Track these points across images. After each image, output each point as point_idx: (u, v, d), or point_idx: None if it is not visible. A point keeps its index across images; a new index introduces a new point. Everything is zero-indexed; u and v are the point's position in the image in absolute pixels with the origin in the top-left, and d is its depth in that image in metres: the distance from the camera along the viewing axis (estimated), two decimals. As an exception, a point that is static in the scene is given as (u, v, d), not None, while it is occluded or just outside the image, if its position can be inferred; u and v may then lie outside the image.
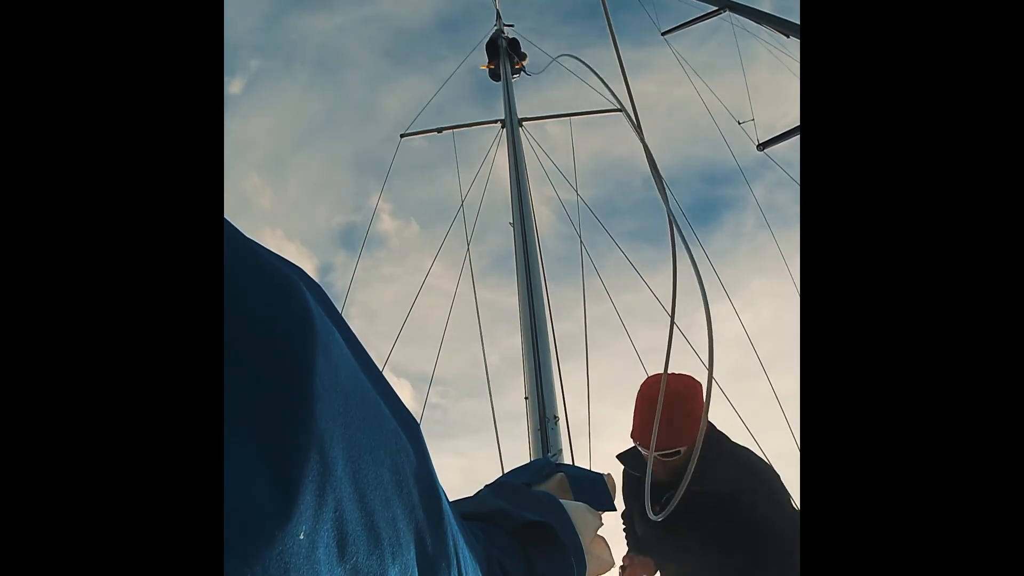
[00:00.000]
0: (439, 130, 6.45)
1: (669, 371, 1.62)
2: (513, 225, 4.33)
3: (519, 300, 3.77)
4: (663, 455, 1.72)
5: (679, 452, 1.72)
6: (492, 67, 6.98)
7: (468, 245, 4.92)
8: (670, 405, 1.66)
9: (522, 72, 6.89)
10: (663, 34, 6.94)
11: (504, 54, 6.84)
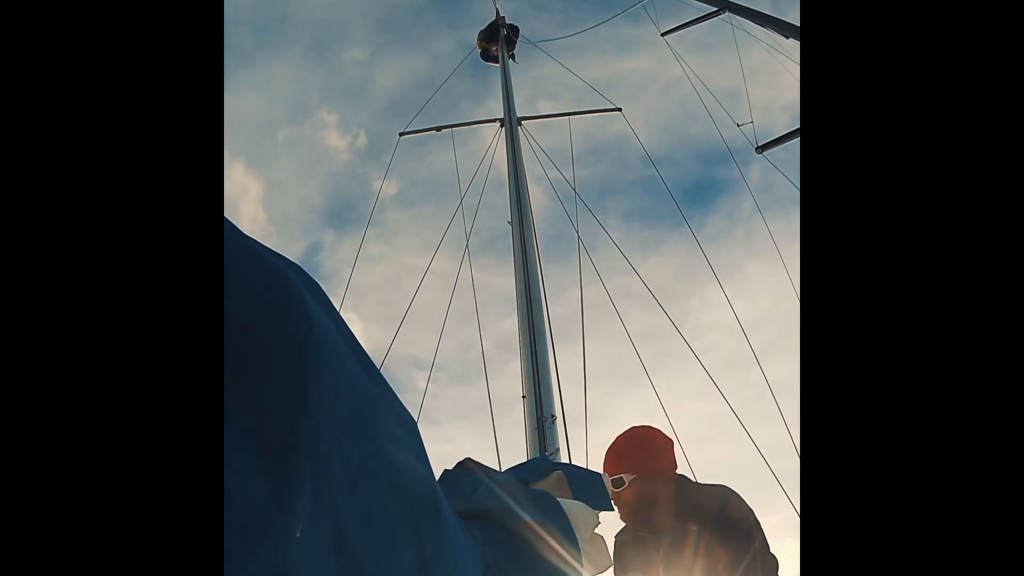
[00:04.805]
0: (438, 128, 6.46)
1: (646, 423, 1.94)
2: (512, 224, 4.33)
3: (516, 299, 3.77)
4: (612, 483, 1.86)
5: (623, 480, 1.85)
6: (484, 47, 7.00)
7: (467, 244, 4.92)
8: (625, 439, 1.89)
9: (512, 59, 6.91)
10: (663, 35, 6.94)
11: (503, 49, 6.85)
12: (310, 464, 0.29)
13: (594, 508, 0.85)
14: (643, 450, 1.88)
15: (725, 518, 1.71)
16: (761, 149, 5.60)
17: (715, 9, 6.23)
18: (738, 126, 5.76)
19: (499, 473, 0.97)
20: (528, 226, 4.23)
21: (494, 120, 6.13)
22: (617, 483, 1.84)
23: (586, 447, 3.22)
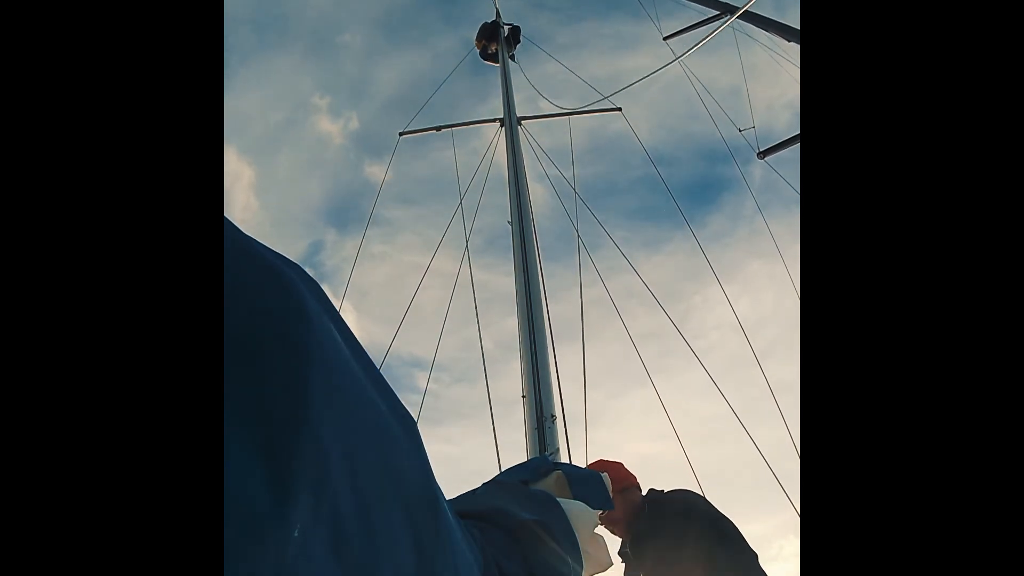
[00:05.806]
0: (438, 128, 6.46)
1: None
2: (511, 224, 4.33)
3: (516, 299, 3.77)
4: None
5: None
6: (484, 46, 7.02)
7: (467, 243, 4.92)
8: (595, 465, 2.30)
9: (512, 59, 6.92)
10: (665, 39, 6.96)
11: (503, 49, 6.85)
12: (310, 464, 0.29)
13: (594, 508, 0.85)
14: (614, 468, 2.26)
15: (685, 512, 2.02)
16: (763, 155, 5.61)
17: (717, 13, 6.24)
18: (740, 131, 5.77)
19: (499, 474, 0.97)
20: (528, 226, 4.23)
21: (494, 120, 6.13)
22: None
23: (586, 447, 3.22)
